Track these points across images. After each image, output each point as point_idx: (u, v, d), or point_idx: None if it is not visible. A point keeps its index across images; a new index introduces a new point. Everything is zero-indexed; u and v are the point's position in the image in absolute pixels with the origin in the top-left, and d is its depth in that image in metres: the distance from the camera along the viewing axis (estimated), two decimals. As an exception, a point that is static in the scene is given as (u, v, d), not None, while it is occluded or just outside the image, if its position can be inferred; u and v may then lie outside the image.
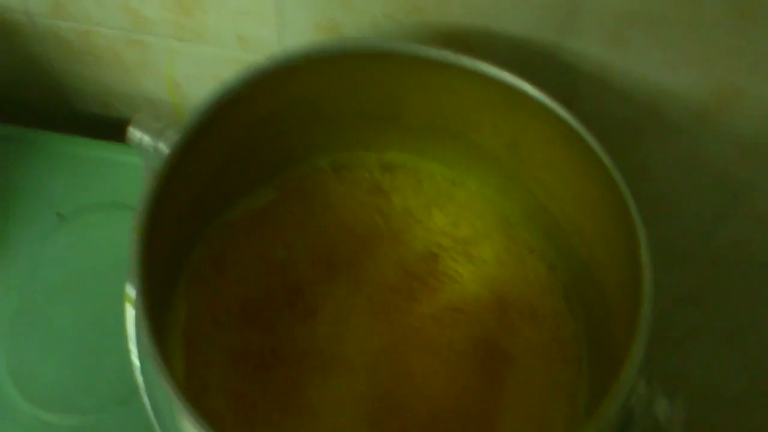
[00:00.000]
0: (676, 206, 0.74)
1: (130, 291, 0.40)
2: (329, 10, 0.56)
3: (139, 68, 0.65)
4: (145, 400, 0.44)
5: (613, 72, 0.54)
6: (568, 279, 0.54)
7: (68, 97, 0.71)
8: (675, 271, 0.84)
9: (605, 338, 0.50)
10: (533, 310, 0.53)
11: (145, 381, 0.43)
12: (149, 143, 0.43)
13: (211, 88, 0.46)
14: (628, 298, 0.45)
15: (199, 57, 0.62)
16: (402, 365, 0.51)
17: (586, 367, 0.52)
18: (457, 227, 0.56)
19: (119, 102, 0.70)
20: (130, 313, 0.41)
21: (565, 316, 0.53)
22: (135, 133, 0.44)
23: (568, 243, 0.53)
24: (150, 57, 0.63)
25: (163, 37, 0.61)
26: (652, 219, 0.75)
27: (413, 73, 0.50)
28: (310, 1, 0.55)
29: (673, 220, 0.76)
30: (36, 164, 0.65)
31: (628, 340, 0.42)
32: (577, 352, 0.52)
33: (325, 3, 0.55)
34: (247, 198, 0.55)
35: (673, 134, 0.60)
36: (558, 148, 0.49)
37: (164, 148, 0.43)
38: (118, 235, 0.52)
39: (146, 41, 0.61)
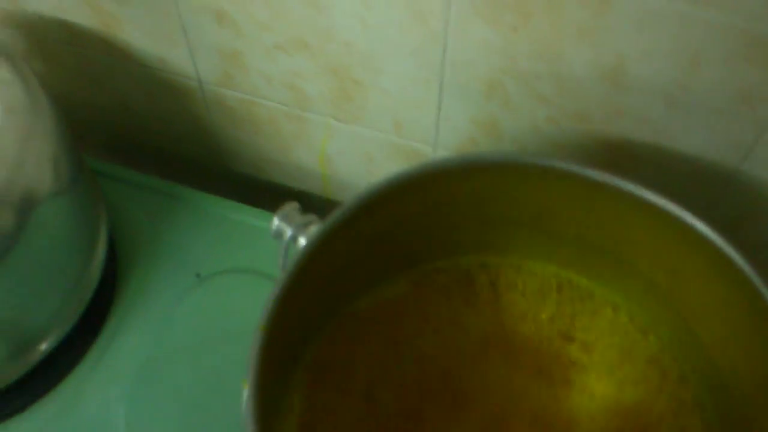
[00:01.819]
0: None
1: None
2: (490, 108, 0.54)
3: (294, 139, 0.66)
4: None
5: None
6: (715, 419, 0.50)
7: (225, 158, 0.73)
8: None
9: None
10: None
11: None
12: (290, 235, 0.43)
13: (361, 178, 0.45)
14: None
15: (354, 135, 0.62)
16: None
17: None
18: (595, 340, 0.53)
19: (272, 168, 0.72)
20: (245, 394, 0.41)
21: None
22: (278, 224, 0.44)
23: (721, 380, 0.49)
24: (306, 131, 0.64)
25: (323, 115, 0.61)
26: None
27: (570, 188, 0.48)
28: (473, 96, 0.54)
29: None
30: (184, 221, 0.66)
31: None
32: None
33: (487, 100, 0.54)
34: (380, 289, 0.54)
35: None
36: (720, 285, 0.46)
37: (303, 243, 0.43)
38: (252, 301, 0.53)
39: (305, 117, 0.62)
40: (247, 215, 0.66)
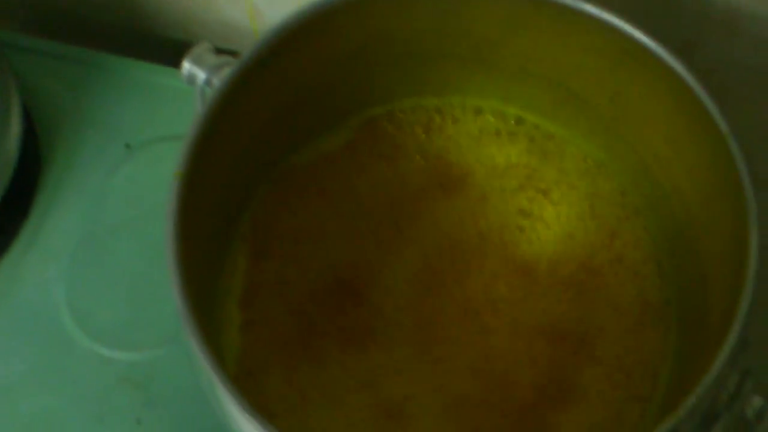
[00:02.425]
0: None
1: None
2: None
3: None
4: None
5: (743, 15, 0.50)
6: (661, 241, 0.49)
7: (148, 20, 0.69)
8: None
9: (697, 317, 0.45)
10: (620, 265, 0.49)
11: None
12: (203, 79, 0.40)
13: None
14: (728, 276, 0.40)
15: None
16: (469, 334, 0.47)
17: (674, 338, 0.47)
18: (542, 175, 0.51)
19: (198, 27, 0.68)
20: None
21: (654, 279, 0.49)
22: (190, 68, 0.41)
23: (666, 202, 0.48)
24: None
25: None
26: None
27: (508, 11, 0.46)
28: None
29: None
30: (108, 91, 0.63)
31: (723, 325, 0.38)
32: (665, 323, 0.48)
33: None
34: (319, 140, 0.51)
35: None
36: (668, 104, 0.44)
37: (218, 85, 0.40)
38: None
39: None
40: (174, 79, 0.62)
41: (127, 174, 0.60)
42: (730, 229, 0.41)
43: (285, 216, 0.49)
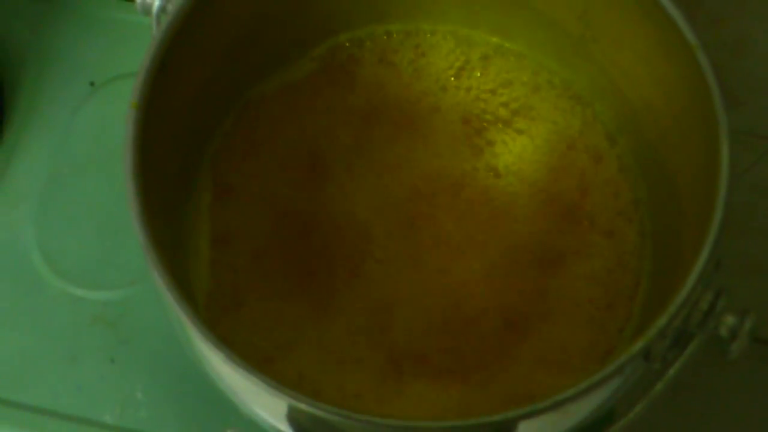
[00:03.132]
0: (771, 88, 0.67)
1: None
2: None
3: None
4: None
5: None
6: (635, 162, 0.49)
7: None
8: (764, 157, 0.77)
9: (672, 241, 0.44)
10: (590, 188, 0.48)
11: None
12: (158, 6, 0.39)
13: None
14: (700, 196, 0.40)
15: None
16: (441, 260, 0.47)
17: (649, 265, 0.47)
18: (512, 99, 0.50)
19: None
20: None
21: (628, 202, 0.48)
22: (141, -6, 0.39)
23: (638, 125, 0.47)
24: None
25: None
26: (745, 100, 0.69)
27: None
28: None
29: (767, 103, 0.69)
30: (70, 29, 0.61)
31: (697, 241, 0.37)
32: (639, 247, 0.47)
33: None
34: (282, 71, 0.50)
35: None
36: (636, 20, 0.43)
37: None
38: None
39: None
40: (135, 14, 0.61)
41: (93, 112, 0.59)
42: (702, 146, 0.40)
43: (249, 149, 0.49)
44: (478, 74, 0.50)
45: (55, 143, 0.58)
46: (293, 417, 0.36)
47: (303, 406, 0.32)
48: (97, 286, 0.54)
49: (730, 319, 0.36)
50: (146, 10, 0.39)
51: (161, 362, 0.52)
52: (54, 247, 0.55)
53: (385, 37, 0.51)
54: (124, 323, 0.53)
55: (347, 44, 0.51)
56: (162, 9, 0.38)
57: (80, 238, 0.55)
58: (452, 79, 0.50)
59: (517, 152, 0.49)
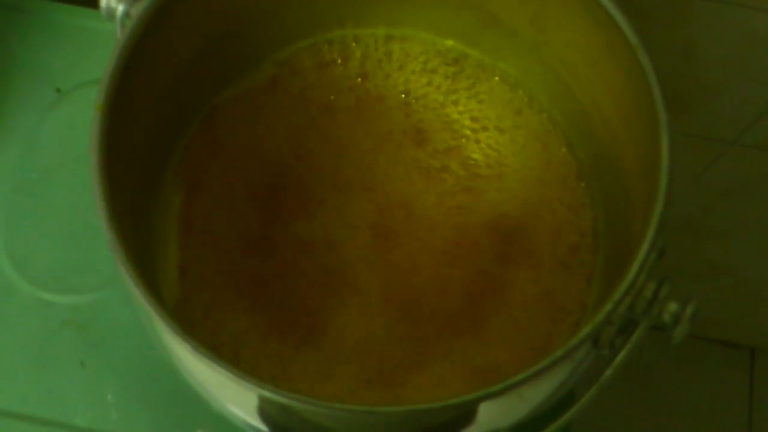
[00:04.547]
0: (722, 91, 0.69)
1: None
2: None
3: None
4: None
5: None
6: (588, 162, 0.50)
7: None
8: (721, 160, 0.79)
9: (623, 232, 0.46)
10: (547, 188, 0.50)
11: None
12: (122, 11, 0.40)
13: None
14: (648, 189, 0.41)
15: None
16: (411, 246, 0.48)
17: (602, 258, 0.49)
18: (469, 101, 0.52)
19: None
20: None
21: (582, 201, 0.50)
22: (107, 1, 0.40)
23: (589, 126, 0.49)
24: None
25: None
26: (694, 104, 0.71)
27: None
28: None
29: (718, 107, 0.71)
30: (35, 35, 0.62)
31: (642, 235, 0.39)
32: (593, 241, 0.49)
33: None
34: (245, 76, 0.51)
35: (727, 8, 0.55)
36: (584, 24, 0.45)
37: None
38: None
39: None
40: (102, 22, 0.61)
41: (59, 118, 0.59)
42: (647, 144, 0.42)
43: (213, 153, 0.50)
44: (441, 80, 0.52)
45: (23, 149, 0.58)
46: (263, 410, 0.37)
47: (267, 394, 0.33)
48: (67, 291, 0.55)
49: (672, 306, 0.38)
50: (111, 14, 0.40)
51: (131, 365, 0.53)
52: (23, 253, 0.56)
53: (352, 43, 0.52)
54: (94, 327, 0.54)
55: (310, 49, 0.52)
56: (126, 13, 0.40)
57: (49, 243, 0.56)
58: (413, 83, 0.52)
59: (479, 156, 0.51)
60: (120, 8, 0.40)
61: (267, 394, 0.33)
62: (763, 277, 0.97)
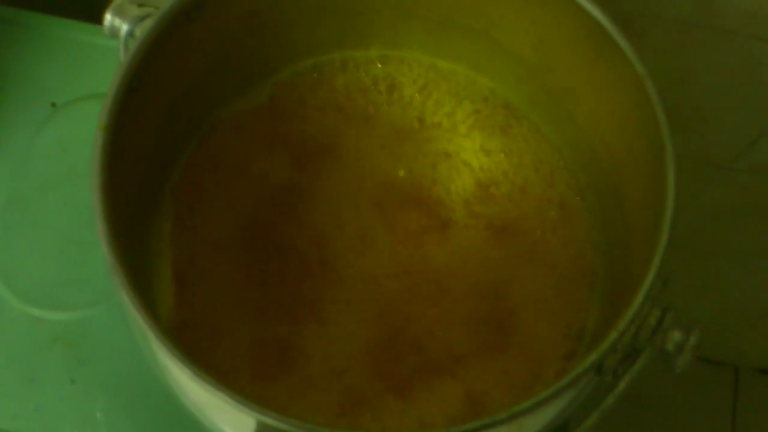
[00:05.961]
0: (719, 117, 0.70)
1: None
2: None
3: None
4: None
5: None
6: (590, 189, 0.50)
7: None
8: (713, 184, 0.80)
9: (623, 266, 0.46)
10: (550, 215, 0.50)
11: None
12: (126, 31, 0.39)
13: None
14: (650, 217, 0.42)
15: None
16: (418, 248, 0.49)
17: (600, 282, 0.49)
18: (472, 128, 0.52)
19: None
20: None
21: (586, 233, 0.50)
22: (111, 20, 0.40)
23: (592, 152, 0.49)
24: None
25: None
26: (690, 129, 0.72)
27: None
28: None
29: (715, 133, 0.71)
30: (31, 49, 0.61)
31: (646, 262, 0.39)
32: (592, 266, 0.49)
33: None
34: (244, 95, 0.51)
35: (724, 37, 0.55)
36: (588, 51, 0.45)
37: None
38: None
39: None
40: (99, 36, 0.61)
41: (54, 133, 0.59)
42: (651, 173, 0.42)
43: (210, 172, 0.50)
44: (442, 104, 0.52)
45: (16, 164, 0.58)
46: (259, 432, 0.37)
47: (269, 420, 0.33)
48: (57, 307, 0.54)
49: (676, 335, 0.38)
50: (114, 33, 0.40)
51: (121, 383, 0.53)
52: (13, 269, 0.55)
53: (350, 64, 0.52)
54: (85, 344, 0.53)
55: (309, 70, 0.52)
56: (130, 33, 0.39)
57: (40, 259, 0.55)
58: (416, 105, 0.52)
59: (481, 182, 0.51)
60: (124, 28, 0.39)
61: (269, 420, 0.33)
62: (747, 297, 0.98)
